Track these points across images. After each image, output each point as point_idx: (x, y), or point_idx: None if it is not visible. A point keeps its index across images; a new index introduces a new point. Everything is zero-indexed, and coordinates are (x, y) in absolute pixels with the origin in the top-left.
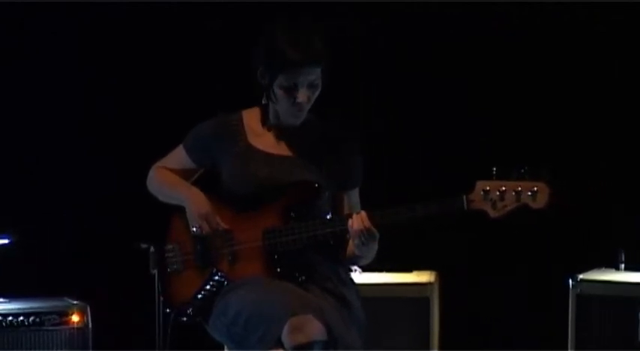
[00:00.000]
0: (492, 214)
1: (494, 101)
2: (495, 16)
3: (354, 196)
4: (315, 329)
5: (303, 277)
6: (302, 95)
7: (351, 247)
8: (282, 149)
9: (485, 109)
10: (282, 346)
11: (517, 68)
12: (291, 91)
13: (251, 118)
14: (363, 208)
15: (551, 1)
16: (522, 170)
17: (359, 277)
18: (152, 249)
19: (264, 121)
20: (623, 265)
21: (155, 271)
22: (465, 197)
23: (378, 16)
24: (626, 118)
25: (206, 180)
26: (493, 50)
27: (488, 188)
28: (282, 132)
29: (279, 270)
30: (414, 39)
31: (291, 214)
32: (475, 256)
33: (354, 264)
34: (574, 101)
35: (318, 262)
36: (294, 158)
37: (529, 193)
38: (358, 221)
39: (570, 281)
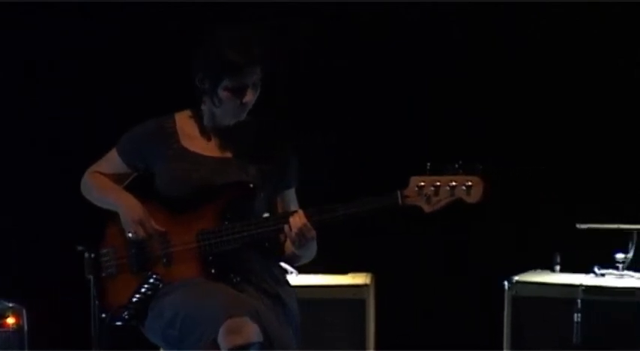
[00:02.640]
0: (427, 208)
1: (428, 97)
2: (422, 14)
3: (290, 196)
4: (250, 331)
5: (238, 278)
6: (248, 95)
7: (290, 246)
8: (216, 151)
9: (418, 106)
10: (218, 347)
11: (451, 62)
12: (238, 92)
13: (184, 120)
14: (300, 207)
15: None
16: (457, 165)
17: (295, 279)
18: (87, 254)
19: (200, 123)
20: (558, 267)
21: (90, 276)
22: (399, 193)
23: (314, 17)
24: (564, 118)
25: (140, 183)
26: (426, 45)
27: (422, 183)
28: (216, 134)
29: (214, 271)
30: (348, 37)
31: (226, 215)
32: (410, 258)
33: (293, 263)
34: (511, 98)
35: (253, 263)
36: (228, 159)
37: (463, 188)
38: (295, 220)
39: (506, 283)
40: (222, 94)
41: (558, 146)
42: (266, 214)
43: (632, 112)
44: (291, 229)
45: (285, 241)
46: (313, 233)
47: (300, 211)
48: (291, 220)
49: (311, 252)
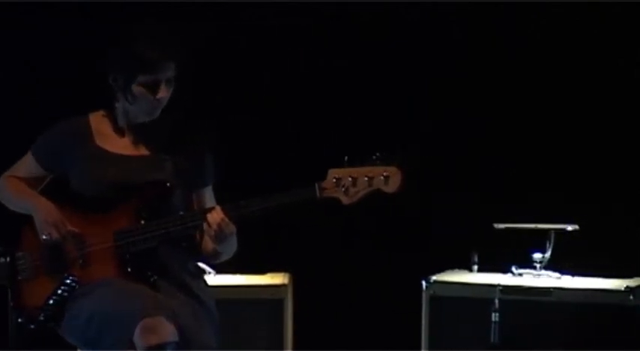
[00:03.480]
0: (345, 200)
1: (345, 91)
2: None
3: (207, 194)
4: (166, 330)
5: (155, 277)
6: (163, 91)
7: (210, 243)
8: (132, 149)
9: (335, 100)
10: (134, 347)
11: (368, 56)
12: (152, 87)
13: (98, 120)
14: (217, 203)
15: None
16: (374, 156)
17: (213, 278)
18: (2, 259)
19: (114, 122)
20: (476, 267)
21: (6, 280)
22: (317, 185)
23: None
24: (484, 115)
25: (55, 186)
26: (340, 40)
27: (340, 175)
28: (131, 132)
29: (130, 270)
30: (262, 35)
31: (142, 213)
32: (328, 258)
33: (214, 261)
34: (432, 93)
35: (170, 261)
36: (144, 158)
37: (381, 178)
38: (213, 216)
39: (424, 282)
40: (137, 89)
41: (480, 144)
42: (181, 213)
43: (550, 112)
44: (210, 226)
45: (202, 239)
46: (232, 228)
47: (218, 207)
48: (208, 216)
49: (231, 247)
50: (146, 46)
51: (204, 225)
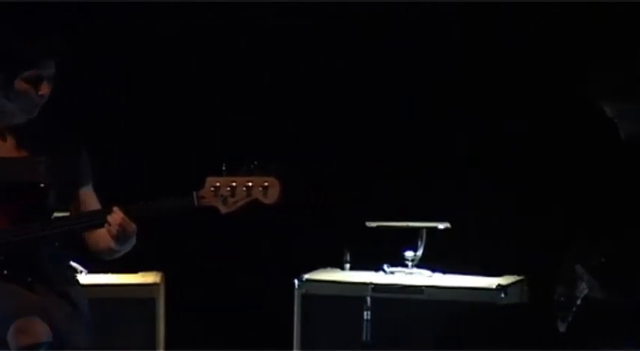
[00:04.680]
0: (223, 209)
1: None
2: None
3: (88, 193)
4: (39, 331)
5: (30, 279)
6: (45, 88)
7: (102, 242)
8: (6, 151)
9: (215, 108)
10: (9, 348)
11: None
12: (35, 83)
13: None
14: (114, 203)
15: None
16: (252, 165)
17: (85, 278)
18: None
19: None
20: (348, 265)
21: None
22: (195, 194)
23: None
24: (359, 119)
25: None
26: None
27: (218, 184)
28: (12, 135)
29: (6, 272)
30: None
31: (19, 215)
32: (201, 256)
33: (108, 257)
34: (313, 100)
35: (45, 263)
36: (21, 159)
37: (260, 189)
38: (114, 217)
39: (296, 281)
40: (20, 85)
41: (351, 145)
42: (58, 214)
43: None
44: (110, 225)
45: (91, 238)
46: (134, 227)
47: (117, 208)
48: (109, 217)
49: (130, 245)
50: (29, 42)
51: (106, 225)
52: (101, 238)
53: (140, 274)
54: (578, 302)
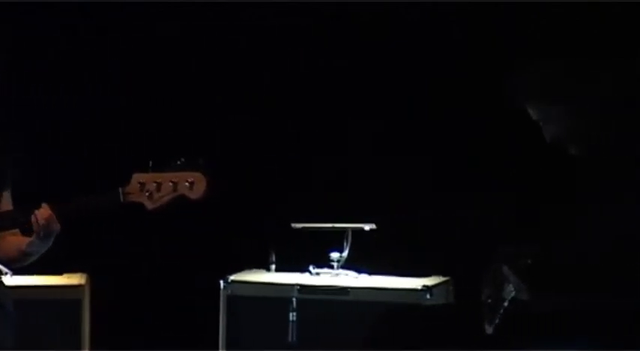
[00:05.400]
0: (149, 205)
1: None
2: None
3: (7, 197)
4: None
5: None
6: None
7: (18, 247)
8: None
9: (140, 104)
10: None
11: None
12: None
13: None
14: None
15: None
16: (179, 162)
17: (10, 279)
18: None
19: None
20: (274, 266)
21: None
22: (120, 190)
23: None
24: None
25: None
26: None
27: (144, 180)
28: None
29: None
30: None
31: None
32: (126, 257)
33: (25, 262)
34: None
35: None
36: None
37: (186, 184)
38: (42, 213)
39: (221, 282)
40: None
41: (281, 144)
42: None
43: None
44: (37, 221)
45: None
46: (58, 226)
47: (45, 204)
48: (37, 212)
49: (45, 248)
50: None
51: (33, 219)
52: (12, 244)
53: (65, 275)
54: (506, 304)
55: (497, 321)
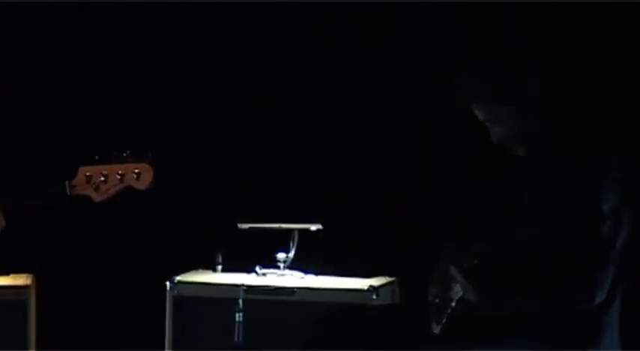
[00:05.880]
0: (96, 197)
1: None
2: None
3: None
4: None
5: None
6: None
7: None
8: None
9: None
10: None
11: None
12: None
13: None
14: None
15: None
16: (125, 154)
17: None
18: None
19: None
20: (220, 267)
21: None
22: (67, 183)
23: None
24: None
25: None
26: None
27: (90, 173)
28: None
29: None
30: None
31: None
32: (72, 257)
33: None
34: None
35: None
36: None
37: (133, 175)
38: None
39: (167, 283)
40: None
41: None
42: None
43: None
44: None
45: None
46: (3, 224)
47: None
48: None
49: None
50: None
51: None
52: None
53: (11, 276)
54: (453, 304)
55: (444, 321)
